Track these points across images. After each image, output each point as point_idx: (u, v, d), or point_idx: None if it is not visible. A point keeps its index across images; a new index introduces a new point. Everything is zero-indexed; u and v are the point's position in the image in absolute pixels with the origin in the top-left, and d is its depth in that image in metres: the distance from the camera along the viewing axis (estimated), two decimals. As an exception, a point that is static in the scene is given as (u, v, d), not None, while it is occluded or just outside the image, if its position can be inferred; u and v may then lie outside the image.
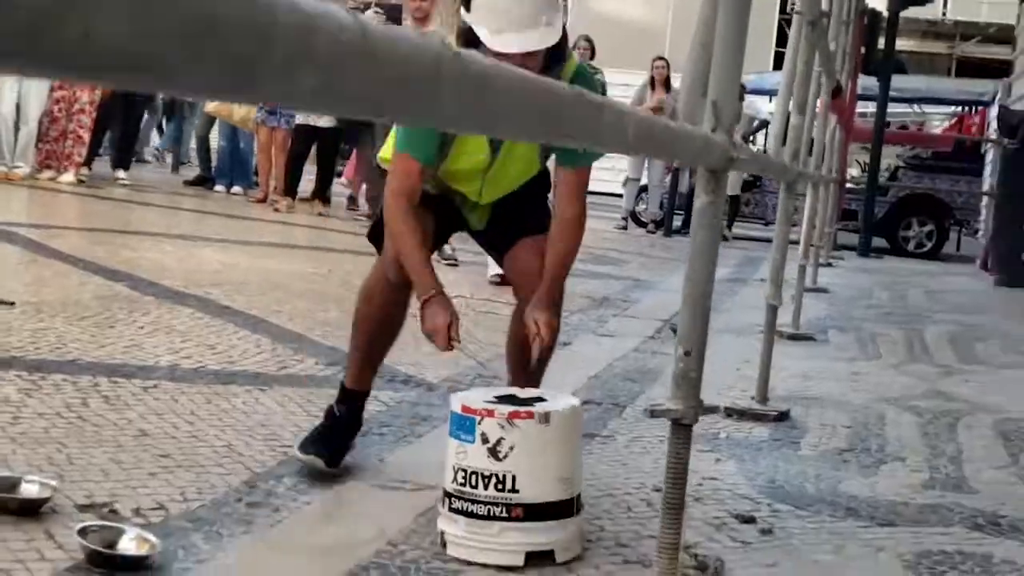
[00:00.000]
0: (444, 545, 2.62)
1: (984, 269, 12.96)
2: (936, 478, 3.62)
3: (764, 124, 19.47)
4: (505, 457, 2.59)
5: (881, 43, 13.70)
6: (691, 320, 2.05)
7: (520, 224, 3.32)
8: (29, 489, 2.64)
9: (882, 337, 6.77)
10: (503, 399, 2.71)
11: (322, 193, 11.26)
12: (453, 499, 2.64)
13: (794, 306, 6.58)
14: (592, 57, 11.78)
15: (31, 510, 2.57)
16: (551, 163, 3.41)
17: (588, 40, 12.15)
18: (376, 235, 3.32)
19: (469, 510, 2.60)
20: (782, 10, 30.39)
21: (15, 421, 3.26)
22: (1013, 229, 10.82)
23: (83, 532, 2.40)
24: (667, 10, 29.60)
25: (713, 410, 4.24)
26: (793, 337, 6.45)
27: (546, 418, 2.62)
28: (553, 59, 3.07)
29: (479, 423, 2.60)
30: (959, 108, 19.71)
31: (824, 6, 5.76)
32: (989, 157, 14.98)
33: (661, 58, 13.97)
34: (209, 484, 2.95)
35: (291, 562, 2.57)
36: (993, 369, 6.01)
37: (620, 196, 15.30)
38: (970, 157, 15.79)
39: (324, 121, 10.81)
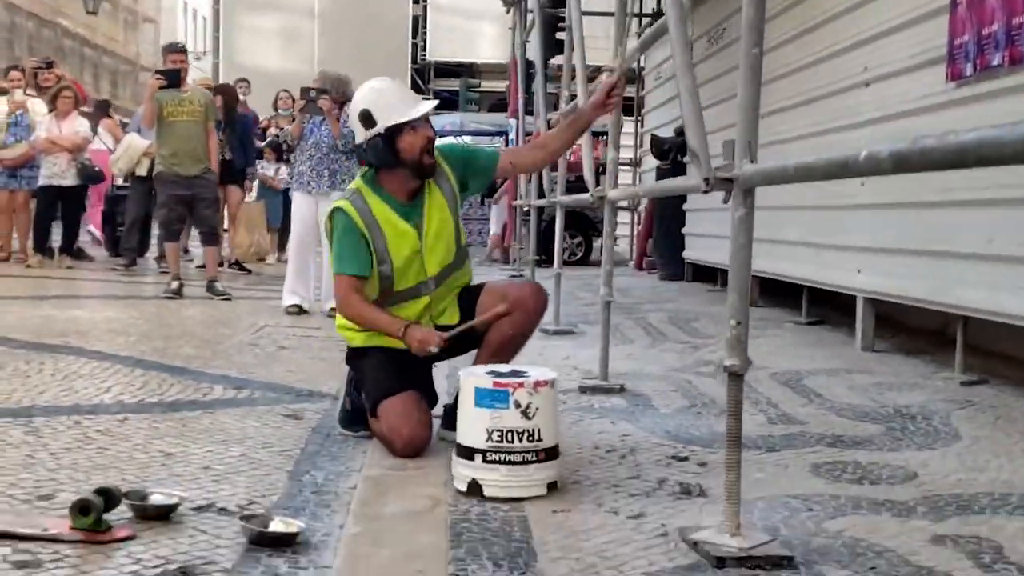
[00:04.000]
0: (479, 491, 3.11)
1: (639, 269, 14.20)
2: (771, 417, 4.33)
3: None
4: (533, 416, 3.11)
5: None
6: (737, 299, 2.62)
7: (470, 295, 3.93)
8: (158, 498, 2.90)
9: (621, 325, 7.47)
10: (505, 374, 3.21)
11: (69, 248, 11.02)
12: (488, 453, 3.13)
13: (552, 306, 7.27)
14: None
15: (165, 515, 2.83)
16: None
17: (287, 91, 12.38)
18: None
19: (507, 459, 3.11)
20: (413, 60, 31.59)
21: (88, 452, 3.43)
22: (671, 237, 12.02)
23: (245, 519, 2.72)
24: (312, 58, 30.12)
25: (570, 390, 4.85)
26: (557, 332, 7.13)
27: (552, 384, 3.17)
28: None
29: (512, 393, 3.10)
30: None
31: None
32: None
33: None
34: (268, 483, 3.25)
35: (398, 534, 2.93)
36: (721, 340, 6.86)
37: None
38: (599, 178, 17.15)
39: (68, 180, 10.62)
